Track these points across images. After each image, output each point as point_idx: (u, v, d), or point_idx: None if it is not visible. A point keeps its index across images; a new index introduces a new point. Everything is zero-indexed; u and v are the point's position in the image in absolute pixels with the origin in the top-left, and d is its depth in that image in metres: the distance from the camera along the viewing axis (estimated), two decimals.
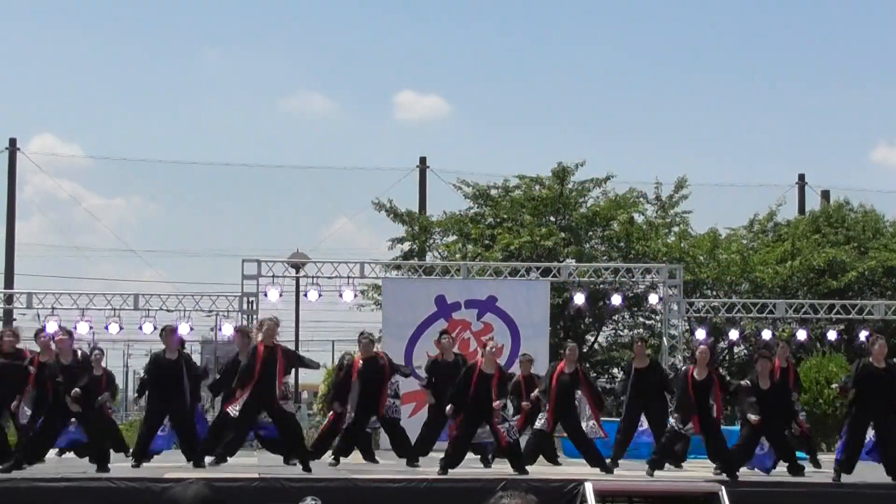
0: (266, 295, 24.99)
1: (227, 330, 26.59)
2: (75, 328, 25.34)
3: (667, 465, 17.25)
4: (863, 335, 28.23)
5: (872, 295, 33.31)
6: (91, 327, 25.99)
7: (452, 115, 72.34)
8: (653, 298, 28.29)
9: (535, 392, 18.39)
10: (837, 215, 36.29)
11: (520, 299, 25.10)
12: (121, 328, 25.96)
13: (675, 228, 34.49)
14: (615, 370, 34.10)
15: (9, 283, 36.33)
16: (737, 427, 18.11)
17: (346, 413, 17.49)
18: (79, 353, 15.89)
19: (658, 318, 29.63)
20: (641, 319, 33.79)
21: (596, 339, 34.06)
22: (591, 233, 33.64)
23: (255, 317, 25.53)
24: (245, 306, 25.78)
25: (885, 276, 34.15)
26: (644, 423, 18.01)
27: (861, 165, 67.76)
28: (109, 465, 15.37)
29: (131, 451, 17.45)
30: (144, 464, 16.50)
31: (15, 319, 37.77)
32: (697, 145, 69.36)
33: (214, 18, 75.23)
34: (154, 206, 75.63)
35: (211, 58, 74.73)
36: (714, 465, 16.31)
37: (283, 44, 74.55)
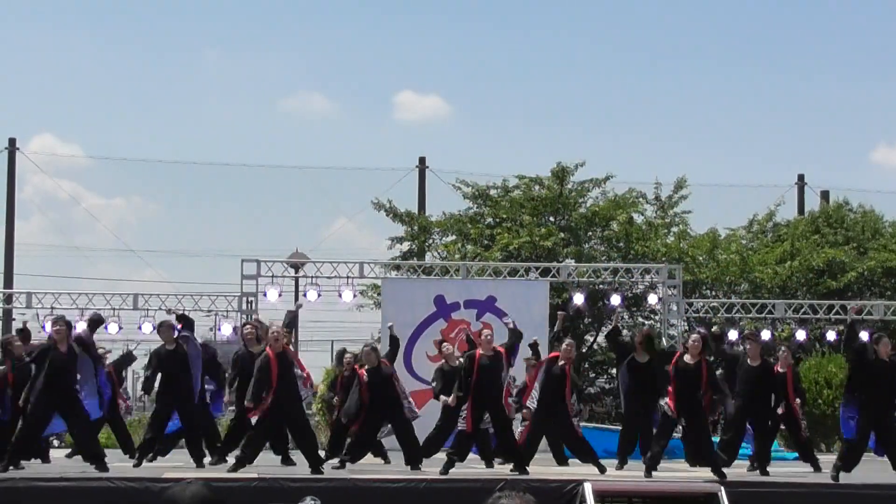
0: (265, 295, 25.00)
1: (227, 330, 26.60)
2: (75, 328, 25.37)
3: (666, 465, 17.29)
4: (863, 336, 28.28)
5: (872, 295, 33.34)
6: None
7: (452, 115, 72.34)
8: (652, 299, 28.30)
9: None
10: (837, 216, 36.31)
11: (519, 299, 25.09)
12: (120, 328, 25.96)
13: (675, 229, 34.51)
14: (615, 370, 34.10)
15: (8, 282, 36.35)
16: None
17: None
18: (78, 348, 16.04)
19: (657, 318, 29.63)
20: (641, 320, 33.78)
21: (595, 339, 34.06)
22: (590, 233, 33.65)
23: (254, 316, 25.55)
24: (245, 306, 25.79)
25: (885, 277, 34.16)
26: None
27: (861, 166, 67.78)
28: (108, 465, 15.36)
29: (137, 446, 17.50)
30: (145, 463, 16.55)
31: (14, 319, 37.83)
32: (697, 145, 69.36)
33: (214, 18, 75.22)
34: (154, 206, 75.59)
35: (211, 58, 74.75)
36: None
37: (283, 44, 74.56)
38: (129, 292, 26.26)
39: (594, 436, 19.16)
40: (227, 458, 16.65)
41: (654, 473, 15.94)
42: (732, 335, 29.78)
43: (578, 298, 26.63)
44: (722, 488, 14.40)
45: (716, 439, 17.60)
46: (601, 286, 29.96)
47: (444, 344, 18.69)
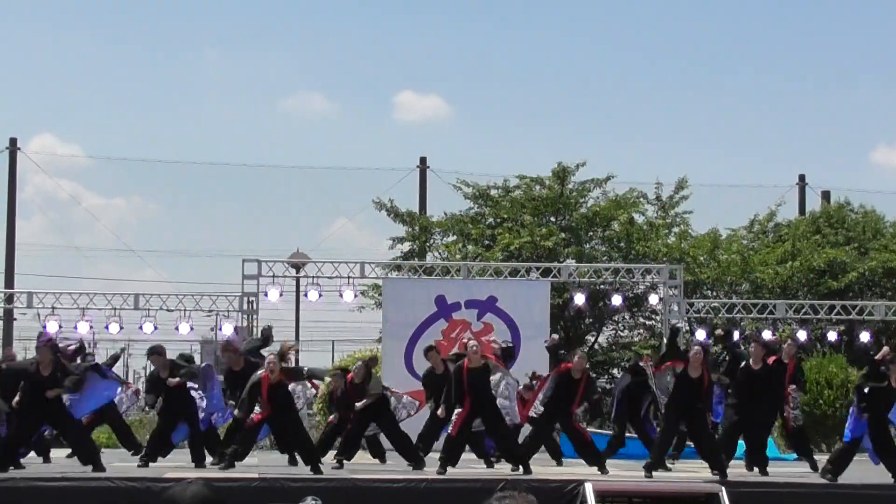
0: (266, 295, 25.00)
1: (228, 330, 26.61)
2: (76, 328, 25.41)
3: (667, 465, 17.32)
4: (864, 336, 28.30)
5: (873, 296, 33.32)
6: (91, 327, 25.99)
7: (452, 115, 72.31)
8: (653, 299, 28.29)
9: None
10: (838, 216, 36.29)
11: (520, 299, 25.09)
12: (121, 328, 25.96)
13: (676, 229, 34.49)
14: (615, 370, 34.10)
15: (9, 282, 36.34)
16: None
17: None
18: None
19: (658, 318, 29.63)
20: (642, 320, 33.78)
21: (596, 339, 34.05)
22: (591, 233, 33.63)
23: (255, 317, 25.57)
24: (245, 306, 25.79)
25: (886, 277, 34.14)
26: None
27: (861, 166, 67.73)
28: (105, 465, 15.37)
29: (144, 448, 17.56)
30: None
31: (16, 319, 37.85)
32: (698, 145, 69.33)
33: (214, 18, 75.20)
34: (154, 206, 75.55)
35: (211, 58, 74.73)
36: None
37: (283, 44, 74.53)
38: (130, 292, 26.26)
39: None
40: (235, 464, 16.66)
41: (654, 473, 15.96)
42: (734, 335, 29.84)
43: (579, 299, 26.63)
44: (722, 488, 14.40)
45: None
46: (602, 286, 29.95)
47: (430, 351, 18.60)
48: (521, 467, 16.10)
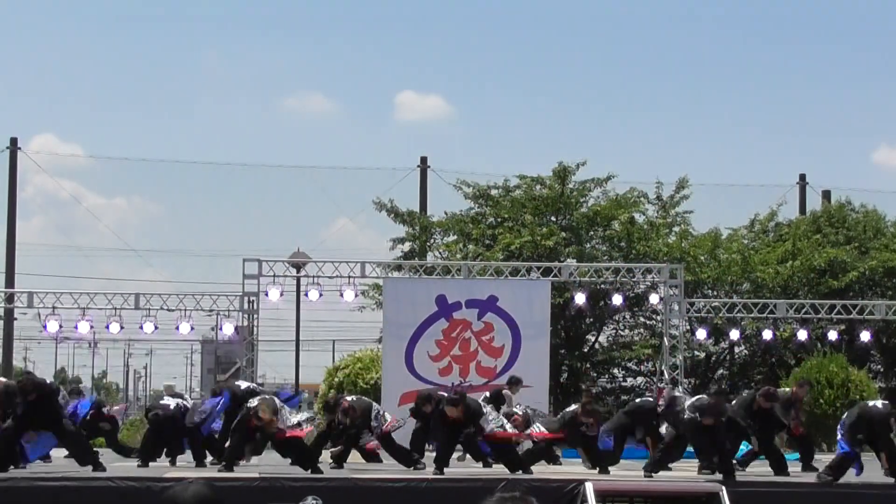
0: (267, 294, 25.00)
1: (228, 330, 26.62)
2: (76, 328, 25.44)
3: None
4: (864, 335, 28.30)
5: (873, 295, 33.32)
6: (92, 327, 26.02)
7: (453, 115, 72.43)
8: (653, 298, 28.29)
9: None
10: (838, 215, 36.29)
11: (521, 299, 25.09)
12: (121, 328, 25.96)
13: (676, 228, 34.50)
14: (615, 370, 34.11)
15: (10, 282, 36.35)
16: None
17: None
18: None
19: (659, 318, 29.61)
20: (642, 319, 33.79)
21: (597, 339, 34.07)
22: (591, 233, 33.64)
23: (255, 316, 25.56)
24: (246, 306, 25.78)
25: (886, 277, 34.15)
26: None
27: (862, 166, 67.85)
28: (105, 465, 15.37)
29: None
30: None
31: (16, 319, 37.87)
32: (698, 145, 69.43)
33: (214, 18, 75.26)
34: (155, 206, 75.73)
35: (211, 58, 74.78)
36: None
37: (283, 44, 74.64)
38: (131, 292, 26.26)
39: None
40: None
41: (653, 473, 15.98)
42: (734, 335, 29.86)
43: (580, 298, 26.64)
44: (723, 488, 14.41)
45: None
46: (603, 286, 29.94)
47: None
48: (520, 470, 16.08)
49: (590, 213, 33.27)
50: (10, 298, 29.07)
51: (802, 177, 40.76)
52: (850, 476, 15.71)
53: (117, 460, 17.13)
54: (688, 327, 29.71)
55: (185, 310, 25.37)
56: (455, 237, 33.90)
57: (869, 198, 48.21)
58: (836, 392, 27.39)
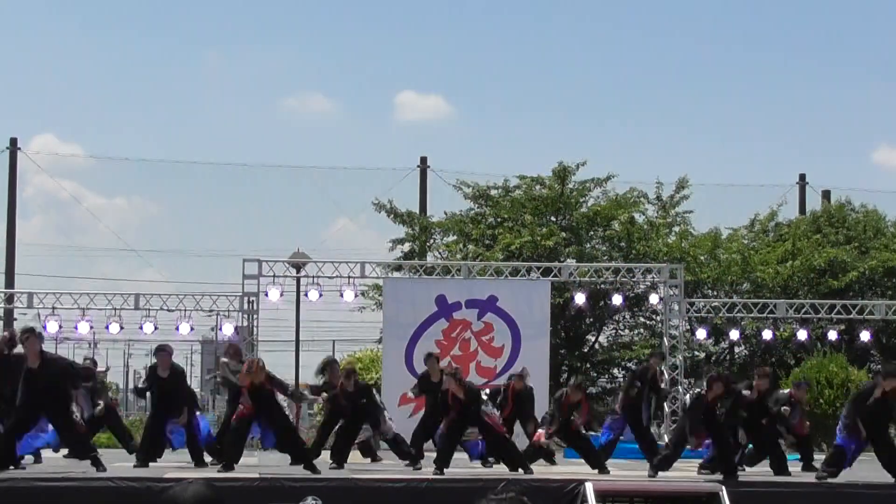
0: (267, 295, 24.99)
1: (228, 330, 26.59)
2: (76, 328, 25.41)
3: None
4: (864, 335, 28.28)
5: (873, 295, 33.31)
6: (91, 327, 26.01)
7: (453, 115, 72.40)
8: (653, 298, 28.28)
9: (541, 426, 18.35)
10: (838, 215, 36.29)
11: (520, 299, 25.09)
12: (121, 328, 25.94)
13: (676, 228, 34.50)
14: (616, 370, 34.08)
15: (9, 282, 36.35)
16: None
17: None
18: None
19: (659, 318, 29.62)
20: (642, 319, 33.78)
21: (597, 339, 34.07)
22: (591, 233, 33.63)
23: (255, 316, 25.55)
24: (245, 306, 25.78)
25: (886, 277, 34.15)
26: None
27: (862, 166, 67.81)
28: (106, 464, 15.35)
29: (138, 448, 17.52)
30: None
31: (16, 319, 37.84)
32: (698, 145, 69.41)
33: (215, 18, 75.27)
34: (155, 206, 75.69)
35: (211, 58, 74.81)
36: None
37: (283, 44, 74.64)
38: (130, 292, 26.24)
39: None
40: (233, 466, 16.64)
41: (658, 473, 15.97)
42: (734, 335, 29.85)
43: (580, 298, 26.63)
44: (723, 488, 14.40)
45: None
46: (603, 286, 29.93)
47: (429, 359, 18.60)
48: (520, 469, 16.08)
49: (590, 213, 33.26)
50: (9, 299, 29.05)
51: (802, 177, 40.76)
52: (850, 476, 15.71)
53: (117, 460, 17.10)
54: (687, 327, 29.70)
55: (185, 310, 25.35)
56: (455, 237, 33.90)
57: (869, 198, 48.13)
58: (836, 392, 27.39)
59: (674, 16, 68.79)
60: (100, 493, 13.87)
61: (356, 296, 26.47)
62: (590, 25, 70.18)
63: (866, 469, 16.44)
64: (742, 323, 30.49)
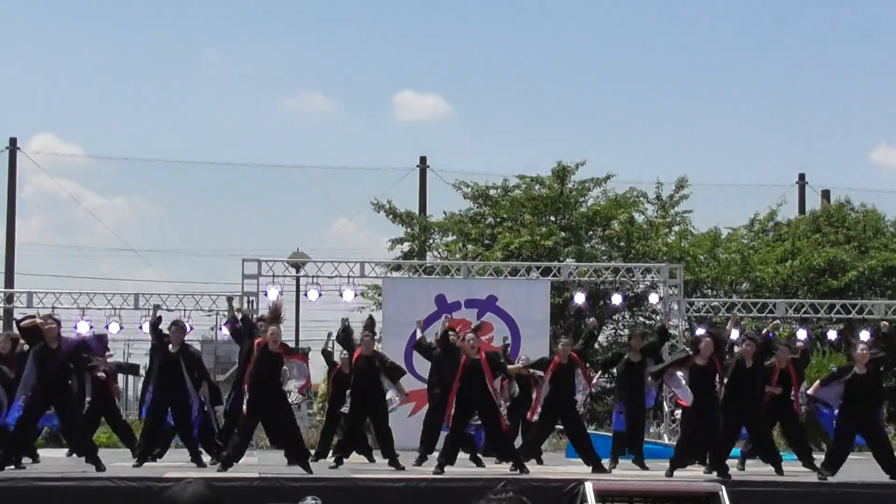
0: (266, 294, 24.99)
1: (272, 294, 26.55)
2: (76, 328, 25.38)
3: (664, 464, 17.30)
4: (864, 335, 28.28)
5: (872, 294, 33.33)
6: (91, 326, 25.97)
7: (452, 115, 72.36)
8: (653, 298, 28.29)
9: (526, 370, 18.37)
10: (838, 215, 36.30)
11: (520, 299, 25.09)
12: (121, 327, 25.96)
13: (676, 228, 34.53)
14: (615, 370, 34.06)
15: (9, 282, 36.34)
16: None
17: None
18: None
19: (658, 317, 29.62)
20: (642, 319, 33.79)
21: (596, 339, 34.03)
22: (591, 232, 33.65)
23: (255, 317, 25.53)
24: (245, 306, 25.76)
25: (886, 276, 34.16)
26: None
27: (862, 166, 67.77)
28: (105, 464, 15.35)
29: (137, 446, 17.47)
30: (146, 462, 16.55)
31: (15, 319, 37.81)
32: (697, 145, 69.37)
33: (214, 18, 75.25)
34: (154, 206, 75.64)
35: (212, 58, 74.78)
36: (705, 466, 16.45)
37: (283, 44, 74.56)
38: (130, 292, 26.25)
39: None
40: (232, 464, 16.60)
41: (652, 472, 15.97)
42: (734, 334, 29.82)
43: (579, 298, 26.63)
44: (723, 488, 14.39)
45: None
46: (602, 286, 29.95)
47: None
48: (518, 468, 16.05)
49: (589, 213, 33.27)
50: (9, 298, 29.05)
51: (802, 176, 40.78)
52: (850, 476, 15.71)
53: (117, 460, 17.09)
54: (687, 327, 29.70)
55: (185, 310, 25.36)
56: (454, 237, 33.91)
57: (868, 197, 48.28)
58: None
59: (673, 16, 68.80)
60: (99, 493, 13.86)
61: (356, 295, 26.47)
62: (590, 26, 70.18)
63: (866, 469, 16.43)
64: (742, 322, 30.47)
